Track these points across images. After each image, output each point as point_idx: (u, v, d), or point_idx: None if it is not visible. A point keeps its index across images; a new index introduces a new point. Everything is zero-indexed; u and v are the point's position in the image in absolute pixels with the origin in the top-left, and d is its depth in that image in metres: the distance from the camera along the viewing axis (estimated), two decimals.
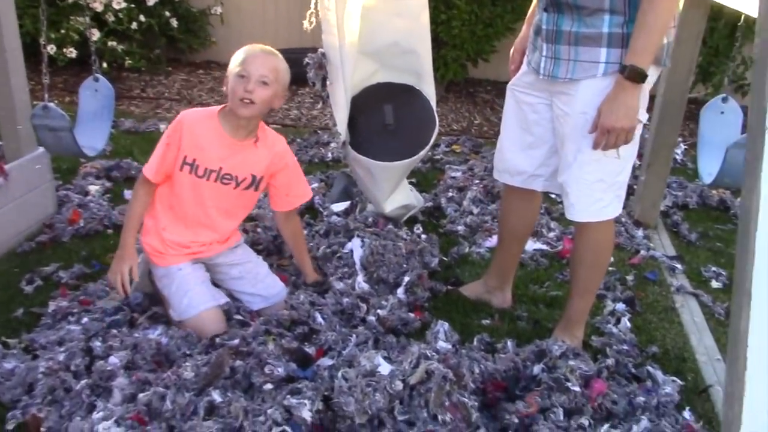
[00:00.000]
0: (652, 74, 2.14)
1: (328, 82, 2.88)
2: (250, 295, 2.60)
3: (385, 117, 2.96)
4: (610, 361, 2.30)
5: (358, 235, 2.98)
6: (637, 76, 2.02)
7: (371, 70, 3.00)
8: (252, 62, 2.32)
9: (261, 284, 2.61)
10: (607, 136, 2.09)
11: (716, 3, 2.93)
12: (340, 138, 2.93)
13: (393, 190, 3.07)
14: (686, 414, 2.12)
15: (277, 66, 2.38)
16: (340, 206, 3.41)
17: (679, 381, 2.25)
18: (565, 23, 2.15)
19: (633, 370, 2.32)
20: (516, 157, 2.47)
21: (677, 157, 4.40)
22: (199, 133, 2.41)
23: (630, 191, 3.80)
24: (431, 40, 3.05)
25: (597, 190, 2.24)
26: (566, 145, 2.24)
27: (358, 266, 2.82)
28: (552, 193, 2.66)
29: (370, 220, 3.17)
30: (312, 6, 2.82)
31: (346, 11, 2.78)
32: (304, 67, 2.90)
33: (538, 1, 2.29)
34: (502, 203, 2.71)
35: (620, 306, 2.74)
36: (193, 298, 2.42)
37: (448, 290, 2.83)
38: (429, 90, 3.09)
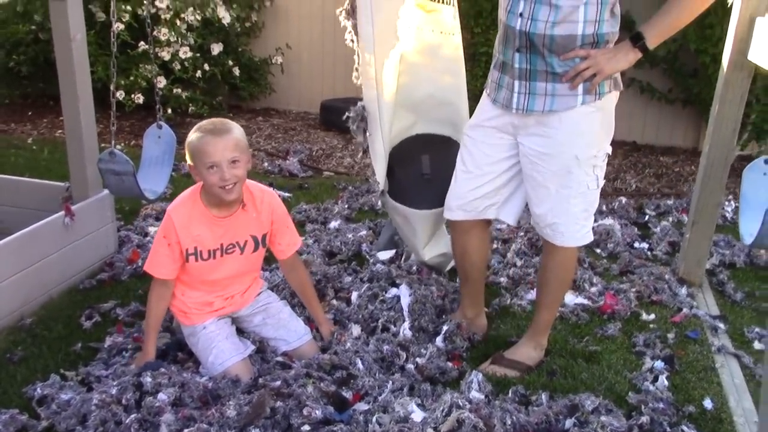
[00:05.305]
0: (613, 99, 2.42)
1: (368, 134, 2.99)
2: (273, 339, 2.68)
3: (423, 167, 3.07)
4: (644, 419, 2.32)
5: (406, 282, 3.07)
6: (644, 48, 2.30)
7: (410, 122, 3.11)
8: (215, 151, 2.34)
9: (283, 329, 2.68)
10: (586, 69, 2.29)
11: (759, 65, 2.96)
12: (378, 187, 3.04)
13: (430, 237, 3.15)
14: None
15: (236, 139, 2.40)
16: (385, 254, 3.51)
17: None
18: (539, 63, 2.34)
19: (668, 429, 2.33)
20: (472, 193, 2.64)
21: (727, 214, 4.37)
22: (191, 224, 2.48)
23: (675, 248, 3.84)
24: (471, 92, 3.16)
25: (581, 218, 2.52)
26: (548, 180, 2.44)
27: (405, 312, 2.90)
28: (500, 222, 2.89)
29: (414, 268, 3.26)
30: (355, 61, 2.96)
31: (385, 66, 2.90)
32: (346, 119, 3.02)
33: (503, 42, 2.45)
34: (457, 241, 2.84)
35: (659, 364, 2.74)
36: (218, 355, 2.50)
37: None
38: None
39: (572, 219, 2.49)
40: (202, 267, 2.53)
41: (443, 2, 3.05)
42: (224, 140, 2.36)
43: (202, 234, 2.49)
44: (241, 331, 2.71)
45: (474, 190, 2.62)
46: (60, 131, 5.85)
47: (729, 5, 3.08)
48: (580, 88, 2.33)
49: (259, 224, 2.58)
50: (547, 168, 2.43)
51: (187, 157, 2.44)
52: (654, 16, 2.33)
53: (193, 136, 2.39)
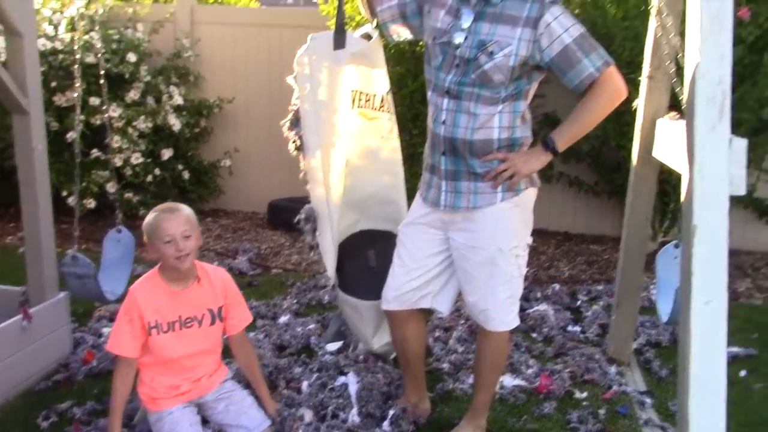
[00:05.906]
0: (531, 195, 2.71)
1: (317, 233, 3.22)
2: (235, 427, 2.79)
3: (369, 261, 3.30)
4: None
5: (354, 371, 3.23)
6: (554, 151, 2.62)
7: (354, 219, 3.35)
8: (169, 226, 2.62)
9: (245, 416, 2.81)
10: (505, 170, 2.59)
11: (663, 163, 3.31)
12: (330, 281, 3.25)
13: (378, 327, 3.34)
14: None
15: (188, 216, 2.69)
16: (334, 346, 3.67)
17: None
18: (462, 165, 2.64)
19: None
20: (407, 285, 2.86)
21: (653, 297, 4.65)
22: (152, 297, 2.71)
23: (605, 330, 4.09)
24: (412, 190, 3.43)
25: (509, 304, 2.76)
26: (477, 271, 2.68)
27: (353, 399, 3.06)
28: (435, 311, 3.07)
29: (361, 357, 3.44)
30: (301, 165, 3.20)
31: (331, 169, 3.15)
32: (296, 221, 3.24)
33: (431, 147, 2.74)
34: (396, 331, 3.04)
35: None
36: None
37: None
38: None
39: (500, 305, 2.74)
40: (163, 342, 2.69)
41: (383, 110, 3.36)
42: (177, 217, 2.66)
43: (161, 307, 2.69)
44: (204, 422, 2.83)
45: (409, 282, 2.86)
46: (10, 237, 5.93)
47: (634, 108, 3.46)
48: (500, 186, 2.62)
49: (215, 297, 2.79)
50: (475, 259, 2.68)
51: (145, 238, 2.70)
52: (563, 123, 2.67)
53: (149, 217, 2.69)
